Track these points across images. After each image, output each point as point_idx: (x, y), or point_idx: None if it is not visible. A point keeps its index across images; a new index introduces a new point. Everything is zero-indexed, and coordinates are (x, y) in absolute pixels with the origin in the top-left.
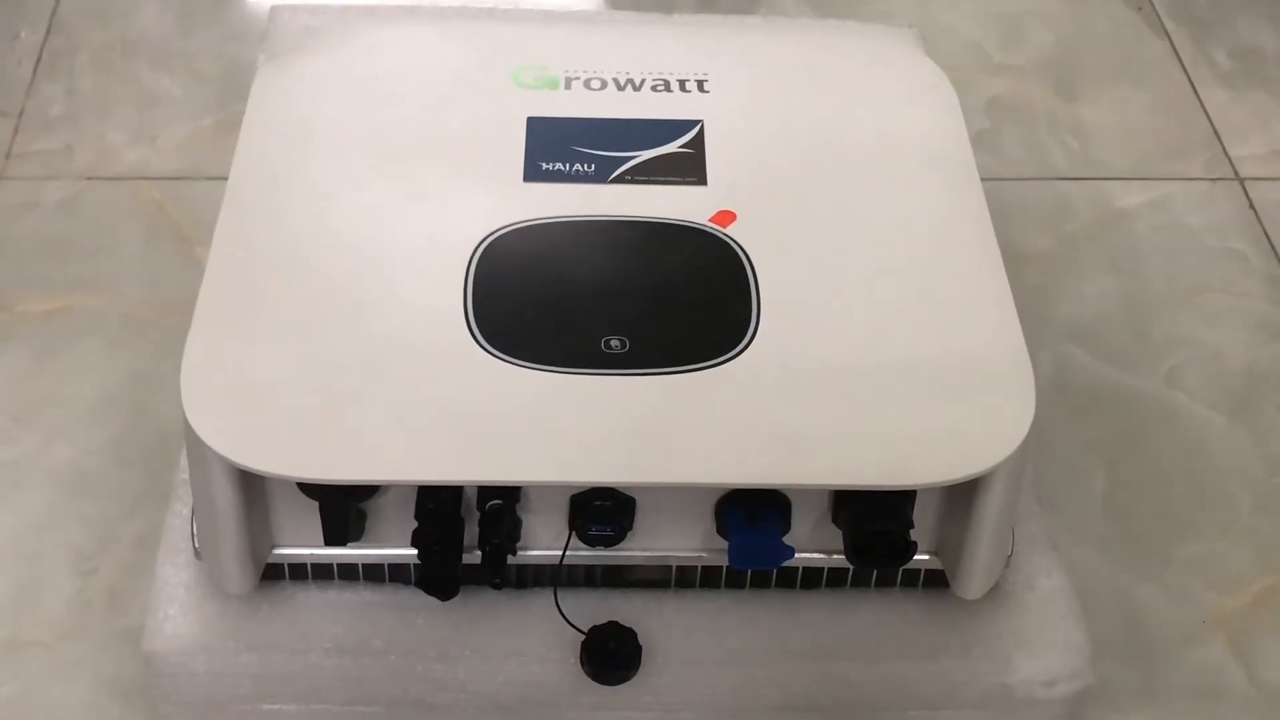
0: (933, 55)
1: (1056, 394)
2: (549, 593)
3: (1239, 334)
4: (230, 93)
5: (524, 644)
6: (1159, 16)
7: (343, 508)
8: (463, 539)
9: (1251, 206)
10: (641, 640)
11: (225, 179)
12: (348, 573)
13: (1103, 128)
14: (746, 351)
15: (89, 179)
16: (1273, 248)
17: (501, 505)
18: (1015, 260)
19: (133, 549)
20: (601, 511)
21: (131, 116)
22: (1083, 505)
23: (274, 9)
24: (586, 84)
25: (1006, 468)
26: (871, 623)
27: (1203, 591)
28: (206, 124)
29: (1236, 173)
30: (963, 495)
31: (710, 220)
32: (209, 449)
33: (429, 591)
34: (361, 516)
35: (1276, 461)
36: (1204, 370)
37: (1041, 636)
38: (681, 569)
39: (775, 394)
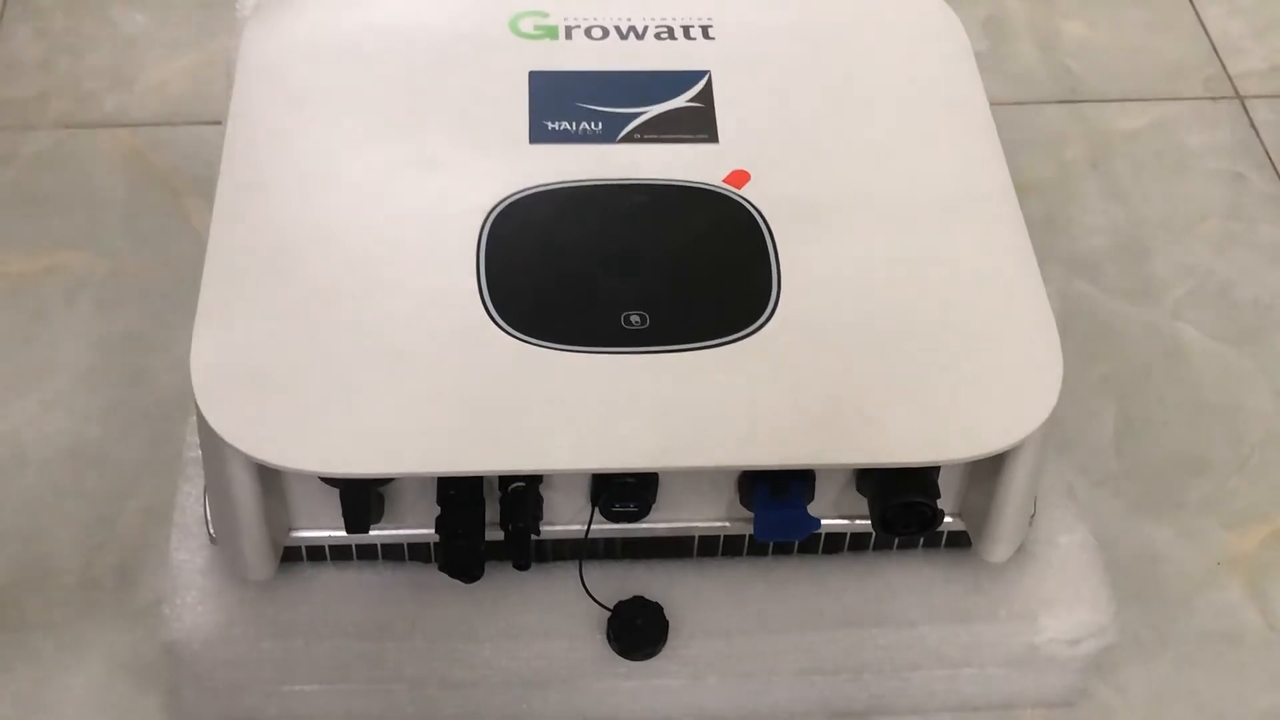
0: None
1: (1064, 329)
2: (572, 566)
3: (1244, 262)
4: (207, 28)
5: (550, 621)
6: None
7: (363, 496)
8: (484, 520)
9: (1253, 126)
10: (667, 613)
11: (207, 123)
12: (367, 552)
13: (1101, 46)
14: (768, 325)
15: (66, 128)
16: (1275, 170)
17: (524, 487)
18: (1017, 189)
19: (139, 523)
20: (625, 488)
21: (106, 58)
22: (1095, 445)
23: None
24: (588, 32)
25: (1034, 439)
26: (896, 586)
27: (1217, 532)
28: (185, 64)
29: (1237, 91)
30: (989, 462)
31: (724, 181)
32: (224, 442)
33: (453, 575)
34: (381, 498)
35: None
36: (1210, 301)
37: (1066, 595)
38: (704, 538)
39: (798, 369)
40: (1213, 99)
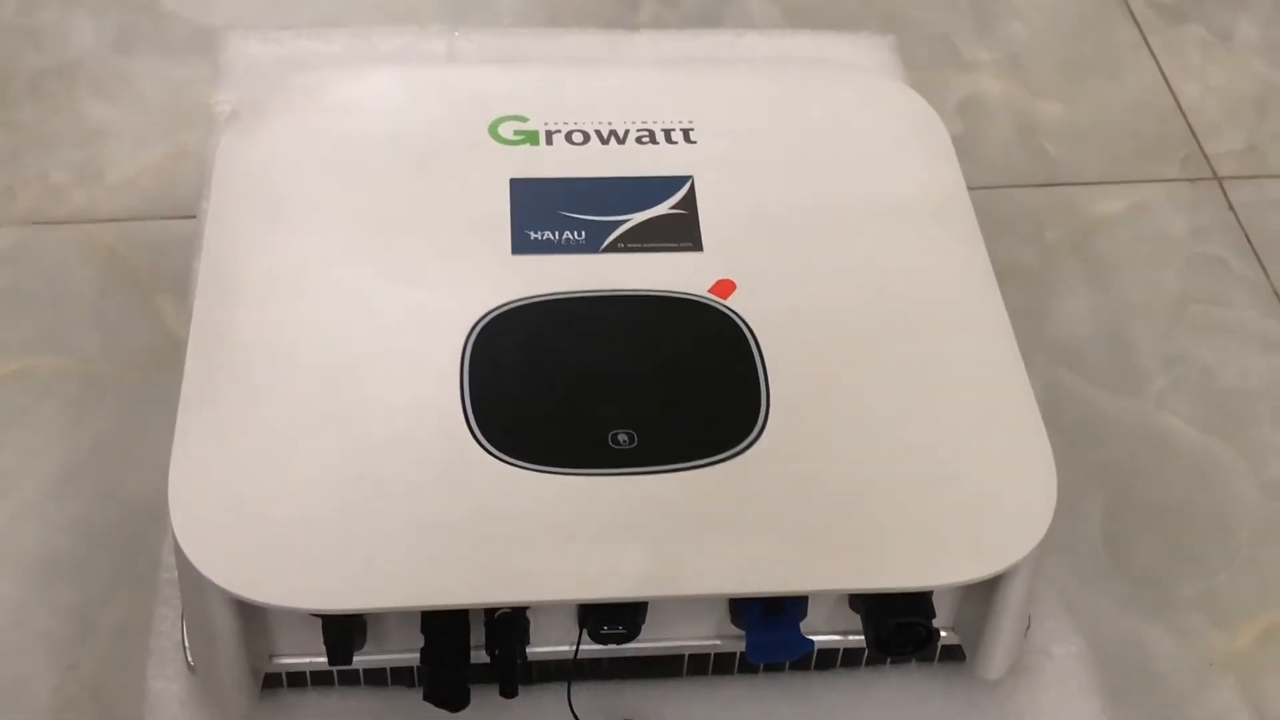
0: (903, 54)
1: (1049, 421)
2: (559, 687)
3: (1227, 349)
4: (178, 120)
5: None
6: (1127, 2)
7: (346, 629)
8: (469, 650)
9: (1231, 208)
10: None
11: (179, 218)
12: (349, 677)
13: (1077, 127)
14: (757, 443)
15: (34, 224)
16: (1255, 253)
17: (510, 614)
18: (998, 275)
19: (113, 640)
20: (614, 611)
21: (75, 151)
22: (1083, 542)
23: (221, 37)
24: (568, 137)
25: (1029, 560)
26: (890, 704)
27: (1208, 630)
28: (155, 156)
29: (1214, 172)
30: (984, 581)
31: (709, 291)
32: (205, 579)
33: (438, 705)
34: (364, 625)
35: (1272, 486)
36: (1195, 390)
37: (1062, 710)
38: (695, 656)
39: (789, 491)
40: (1190, 180)
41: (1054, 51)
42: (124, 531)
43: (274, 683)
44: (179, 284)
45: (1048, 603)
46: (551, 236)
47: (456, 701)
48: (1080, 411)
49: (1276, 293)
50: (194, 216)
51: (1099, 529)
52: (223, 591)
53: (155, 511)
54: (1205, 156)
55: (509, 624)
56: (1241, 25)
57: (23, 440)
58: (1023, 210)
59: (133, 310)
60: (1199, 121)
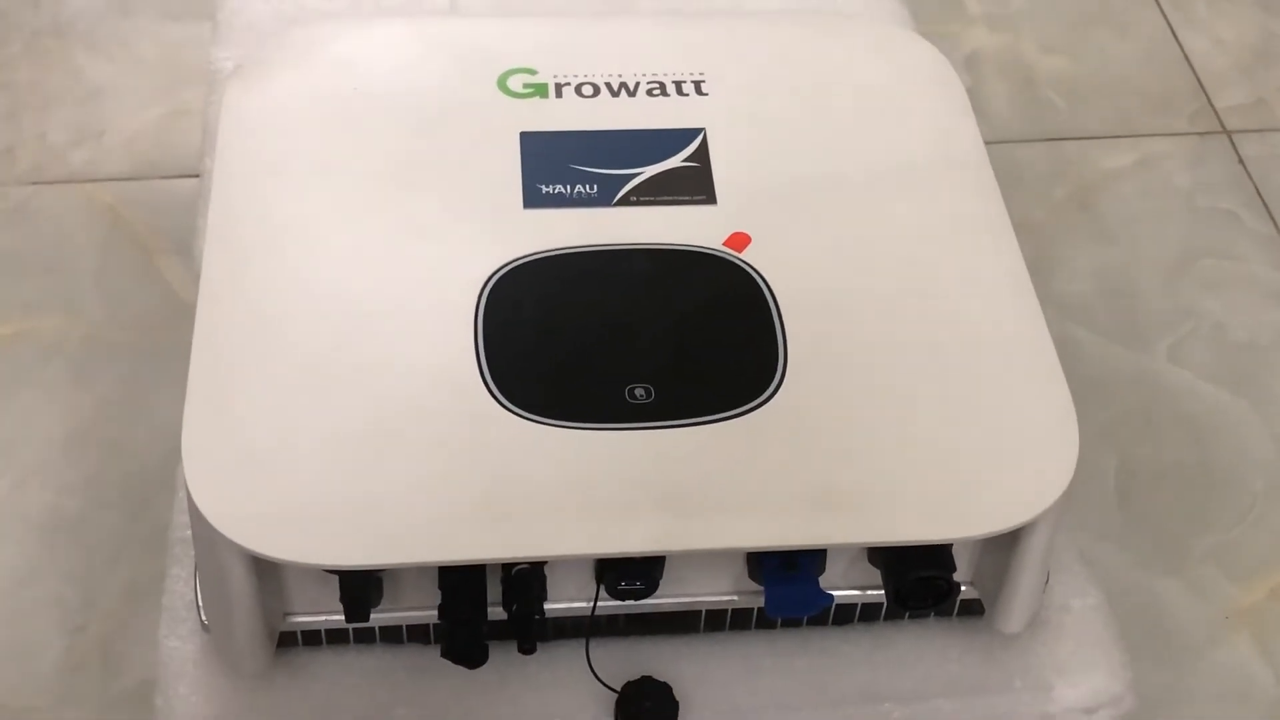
0: (911, 6)
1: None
2: (577, 644)
3: (1238, 302)
4: (176, 78)
5: (555, 704)
6: None
7: (363, 586)
8: (486, 606)
9: (1241, 162)
10: (676, 692)
11: (180, 176)
12: (364, 635)
13: (1085, 82)
14: (775, 397)
15: (34, 184)
16: (1265, 206)
17: (528, 570)
18: None
19: (122, 601)
20: (631, 566)
21: (74, 111)
22: (1098, 497)
23: None
24: (578, 90)
25: (1050, 513)
26: (909, 658)
27: (1223, 585)
28: (154, 115)
29: (1223, 125)
30: (1004, 535)
31: (724, 244)
32: (221, 535)
33: (455, 662)
34: (379, 582)
35: None
36: (1206, 344)
37: (1081, 663)
38: (712, 612)
39: (808, 444)
40: (1200, 134)
41: (1060, 5)
42: (130, 493)
43: (289, 642)
44: (181, 243)
45: (1066, 557)
46: (563, 190)
47: (474, 658)
48: (1091, 367)
49: None
50: (196, 175)
51: (1113, 484)
52: (238, 548)
53: (162, 472)
54: (1214, 110)
55: (526, 580)
56: None
57: (26, 402)
58: (1030, 165)
59: (135, 270)
60: (1207, 75)
